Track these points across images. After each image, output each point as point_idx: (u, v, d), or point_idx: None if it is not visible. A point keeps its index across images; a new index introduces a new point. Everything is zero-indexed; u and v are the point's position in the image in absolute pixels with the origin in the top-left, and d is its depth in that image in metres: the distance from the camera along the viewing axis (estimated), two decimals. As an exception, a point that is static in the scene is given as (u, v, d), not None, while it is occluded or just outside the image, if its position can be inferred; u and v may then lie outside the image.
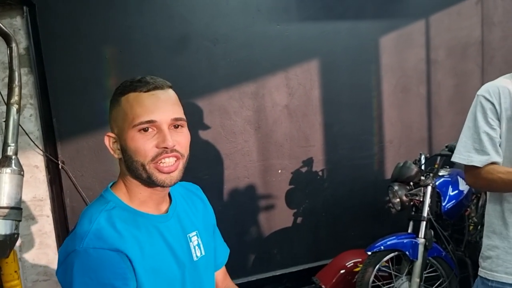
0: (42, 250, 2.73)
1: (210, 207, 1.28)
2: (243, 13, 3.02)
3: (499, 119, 1.51)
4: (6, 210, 1.47)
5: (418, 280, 2.50)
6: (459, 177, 2.82)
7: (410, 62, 3.44)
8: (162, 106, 0.98)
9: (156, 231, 1.03)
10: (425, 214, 2.56)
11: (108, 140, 1.04)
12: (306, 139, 3.25)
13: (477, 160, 1.50)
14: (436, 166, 2.73)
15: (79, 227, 0.97)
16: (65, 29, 2.71)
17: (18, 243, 2.21)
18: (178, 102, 1.03)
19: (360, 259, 2.87)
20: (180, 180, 1.03)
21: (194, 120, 2.92)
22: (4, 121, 1.56)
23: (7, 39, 1.57)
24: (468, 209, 2.94)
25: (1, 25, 1.56)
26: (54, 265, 2.78)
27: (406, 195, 2.64)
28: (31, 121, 2.66)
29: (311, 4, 3.15)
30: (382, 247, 2.56)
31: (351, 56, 3.28)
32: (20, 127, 1.76)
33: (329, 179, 3.34)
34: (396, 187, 2.66)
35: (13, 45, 1.58)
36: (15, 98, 1.56)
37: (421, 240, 2.53)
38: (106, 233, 0.94)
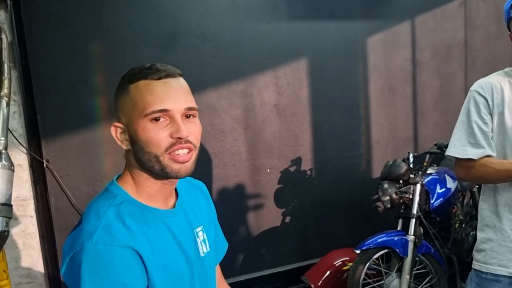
0: (26, 251, 2.65)
1: (212, 203, 1.26)
2: (232, 11, 3.01)
3: (491, 114, 1.54)
4: (-4, 207, 1.41)
5: (408, 276, 2.51)
6: (446, 175, 2.87)
7: (397, 62, 3.48)
8: (174, 95, 0.93)
9: (165, 227, 0.99)
10: (414, 211, 2.59)
11: (115, 131, 0.98)
12: (295, 138, 3.25)
13: (472, 153, 1.53)
14: (425, 164, 2.76)
15: (85, 222, 0.92)
16: (51, 24, 2.64)
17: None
18: (189, 91, 0.99)
19: (348, 258, 2.88)
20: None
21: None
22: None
23: (-4, 30, 1.52)
24: (455, 206, 2.98)
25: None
26: (38, 267, 2.70)
27: (395, 193, 2.66)
28: (14, 118, 2.57)
29: (300, 4, 3.15)
30: (372, 245, 2.57)
31: (339, 55, 3.30)
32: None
33: (318, 178, 3.34)
34: (386, 185, 2.68)
35: (3, 36, 1.53)
36: (5, 91, 1.51)
37: (410, 237, 2.56)
38: (116, 229, 0.90)
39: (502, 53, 3.73)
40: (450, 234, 2.98)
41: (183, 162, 0.95)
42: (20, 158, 2.60)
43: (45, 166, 2.68)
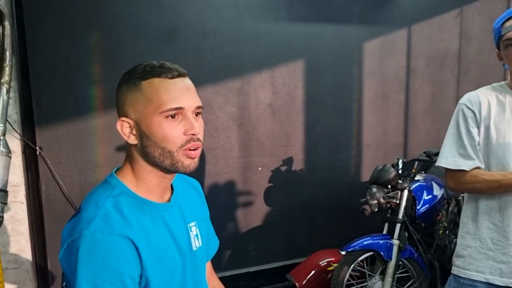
0: (14, 237, 2.65)
1: (205, 201, 1.29)
2: (232, 8, 3.03)
3: (478, 127, 1.61)
4: (-8, 193, 1.42)
5: (390, 280, 2.57)
6: (433, 182, 2.92)
7: (391, 69, 3.53)
8: (187, 94, 0.98)
9: (160, 220, 1.02)
10: (400, 216, 2.64)
11: (121, 125, 1.00)
12: (288, 138, 3.29)
13: (464, 165, 1.59)
14: (413, 170, 2.82)
15: (84, 211, 0.95)
16: (51, 12, 2.64)
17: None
18: (195, 90, 1.04)
19: (333, 259, 2.93)
20: None
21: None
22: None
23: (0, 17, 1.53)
24: (440, 213, 3.05)
25: (-6, 2, 1.52)
26: (26, 254, 2.71)
27: (383, 198, 2.71)
28: (10, 104, 2.54)
29: (299, 5, 3.18)
30: (357, 247, 2.63)
31: (336, 59, 3.34)
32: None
33: (308, 179, 3.39)
34: (374, 189, 2.73)
35: (6, 23, 1.54)
36: (6, 78, 1.52)
37: (395, 242, 2.61)
38: (113, 219, 0.93)
39: (494, 65, 3.78)
40: (434, 240, 3.04)
41: (193, 158, 1.00)
42: (13, 144, 2.59)
43: (38, 153, 2.69)
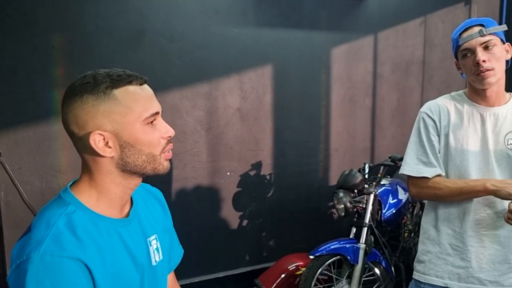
0: (-30, 246, 2.55)
1: (168, 211, 1.26)
2: (200, 13, 3.01)
3: (438, 135, 1.65)
4: None
5: (357, 283, 2.60)
6: (398, 187, 2.98)
7: (358, 74, 3.59)
8: (154, 99, 1.00)
9: (117, 236, 0.99)
10: (367, 220, 2.68)
11: (97, 141, 0.93)
12: (256, 142, 3.28)
13: (426, 172, 1.63)
14: (379, 175, 2.86)
15: (34, 230, 0.90)
16: (12, 13, 2.55)
17: None
18: None
19: (302, 263, 2.94)
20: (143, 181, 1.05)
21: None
22: None
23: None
24: (405, 217, 3.11)
25: None
26: (-17, 263, 2.60)
27: (350, 202, 2.75)
28: (-34, 108, 2.47)
29: (268, 11, 3.19)
30: (325, 251, 2.64)
31: (304, 64, 3.36)
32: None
33: (276, 183, 3.39)
34: (341, 194, 2.76)
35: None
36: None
37: (362, 245, 2.64)
38: (65, 239, 0.88)
39: (457, 72, 3.87)
40: (399, 243, 3.10)
41: (168, 159, 1.03)
42: (-30, 149, 2.50)
43: (-4, 158, 2.59)
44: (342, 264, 2.73)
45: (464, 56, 1.60)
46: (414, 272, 1.76)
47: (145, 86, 1.00)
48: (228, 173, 3.22)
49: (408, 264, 3.06)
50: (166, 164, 1.02)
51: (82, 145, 0.96)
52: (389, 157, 2.85)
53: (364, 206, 2.73)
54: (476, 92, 1.63)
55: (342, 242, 2.68)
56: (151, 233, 1.10)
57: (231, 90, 3.15)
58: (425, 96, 3.84)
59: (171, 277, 1.27)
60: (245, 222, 3.34)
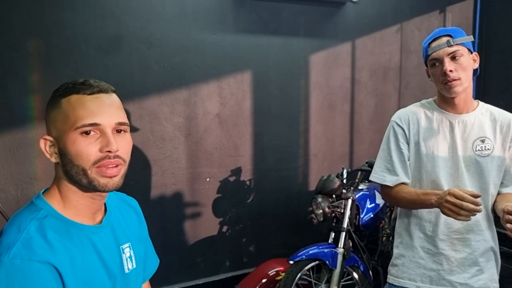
0: None
1: (144, 220, 1.26)
2: (179, 19, 3.01)
3: (408, 143, 1.70)
4: None
5: (336, 287, 2.62)
6: (376, 191, 3.03)
7: (337, 80, 3.63)
8: (106, 110, 0.96)
9: (88, 243, 0.99)
10: (345, 225, 2.71)
11: (44, 143, 0.98)
12: (236, 148, 3.29)
13: (389, 180, 1.69)
14: (356, 180, 2.90)
15: (5, 236, 0.90)
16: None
17: None
18: (122, 106, 1.02)
19: (282, 268, 2.95)
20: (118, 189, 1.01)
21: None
22: None
23: None
24: (383, 221, 3.16)
25: None
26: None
27: (328, 207, 2.77)
28: None
29: (247, 17, 3.22)
30: (304, 256, 2.66)
31: (283, 70, 3.39)
32: None
33: (256, 188, 3.40)
34: (319, 199, 2.79)
35: None
36: None
37: (340, 250, 2.67)
38: (36, 244, 0.89)
39: (432, 78, 4.00)
40: (377, 247, 3.14)
41: (110, 177, 0.96)
42: None
43: (-31, 166, 2.53)
44: (321, 269, 2.75)
45: (432, 65, 1.65)
46: (389, 276, 1.80)
47: (101, 95, 0.97)
48: (208, 179, 3.22)
49: (387, 267, 3.10)
50: (104, 182, 0.95)
51: None
52: (366, 162, 2.89)
53: (342, 211, 2.76)
54: (445, 100, 1.68)
55: (320, 247, 2.70)
56: (124, 241, 1.10)
57: (210, 96, 3.16)
58: (402, 102, 3.91)
59: (146, 286, 1.27)
60: (225, 228, 3.34)
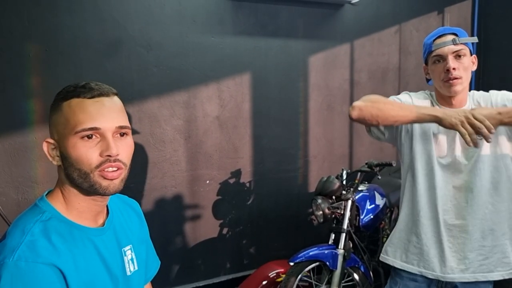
0: None
1: (145, 222, 1.27)
2: (178, 22, 3.02)
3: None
4: None
5: (336, 288, 2.62)
6: (376, 192, 3.03)
7: (335, 82, 3.64)
8: (106, 113, 0.96)
9: (91, 245, 1.00)
10: (345, 226, 2.71)
11: (47, 146, 1.00)
12: (235, 150, 3.30)
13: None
14: (356, 181, 2.90)
15: (9, 238, 0.91)
16: (-16, 22, 2.52)
17: None
18: (123, 110, 1.02)
19: (282, 270, 2.95)
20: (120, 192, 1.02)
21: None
22: None
23: None
24: (383, 222, 3.16)
25: None
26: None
27: (328, 208, 2.77)
28: None
29: (245, 20, 3.23)
30: (304, 258, 2.66)
31: (281, 72, 3.40)
32: None
33: (256, 190, 3.41)
34: (319, 201, 2.79)
35: None
36: None
37: (340, 251, 2.67)
38: (40, 246, 0.89)
39: (431, 79, 4.01)
40: (378, 247, 3.14)
41: (111, 179, 0.97)
42: None
43: (-31, 170, 2.54)
44: (322, 270, 2.75)
45: (434, 62, 1.65)
46: (386, 257, 1.86)
47: (101, 99, 0.97)
48: (208, 181, 3.22)
49: (388, 268, 3.10)
50: (106, 184, 0.96)
51: None
52: (366, 163, 2.89)
53: (342, 212, 2.76)
54: (442, 97, 1.70)
55: (321, 248, 2.70)
56: (126, 243, 1.11)
57: (210, 98, 3.17)
58: (401, 103, 3.91)
59: None
60: (225, 230, 3.34)
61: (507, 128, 1.64)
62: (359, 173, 2.94)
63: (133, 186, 2.94)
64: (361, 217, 2.92)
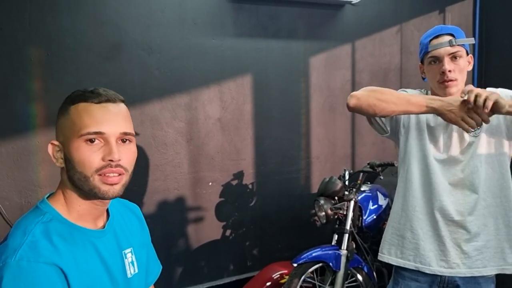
0: None
1: (146, 226, 1.28)
2: (178, 24, 3.02)
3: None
4: None
5: (340, 289, 2.62)
6: (378, 193, 3.02)
7: (337, 82, 3.64)
8: (112, 119, 0.98)
9: (91, 247, 1.01)
10: (348, 227, 2.71)
11: (52, 148, 1.02)
12: (238, 152, 3.30)
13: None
14: (358, 181, 2.90)
15: (11, 239, 0.92)
16: (-14, 26, 2.53)
17: None
18: (129, 116, 1.05)
19: (286, 271, 2.94)
20: (121, 196, 1.03)
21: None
22: None
23: None
24: (385, 222, 3.14)
25: None
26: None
27: (331, 209, 2.77)
28: None
29: (246, 21, 3.23)
30: (307, 259, 2.66)
31: (283, 73, 3.40)
32: None
33: (258, 192, 3.41)
34: (322, 201, 2.79)
35: None
36: None
37: (343, 252, 2.67)
38: (42, 246, 0.91)
39: (433, 78, 4.00)
40: (381, 248, 3.13)
41: (111, 184, 0.98)
42: None
43: (-27, 174, 2.55)
44: (325, 271, 2.75)
45: (430, 62, 1.65)
46: (381, 255, 1.85)
47: (108, 105, 0.99)
48: (210, 183, 3.23)
49: (391, 269, 3.09)
50: (105, 189, 0.97)
51: None
52: (368, 164, 2.89)
53: (345, 212, 2.76)
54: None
55: (324, 249, 2.69)
56: (126, 246, 1.12)
57: (211, 100, 3.17)
58: (403, 103, 3.90)
59: None
60: (228, 232, 3.34)
61: (504, 126, 1.64)
62: (361, 174, 2.93)
63: (136, 189, 2.94)
64: (364, 217, 2.91)
